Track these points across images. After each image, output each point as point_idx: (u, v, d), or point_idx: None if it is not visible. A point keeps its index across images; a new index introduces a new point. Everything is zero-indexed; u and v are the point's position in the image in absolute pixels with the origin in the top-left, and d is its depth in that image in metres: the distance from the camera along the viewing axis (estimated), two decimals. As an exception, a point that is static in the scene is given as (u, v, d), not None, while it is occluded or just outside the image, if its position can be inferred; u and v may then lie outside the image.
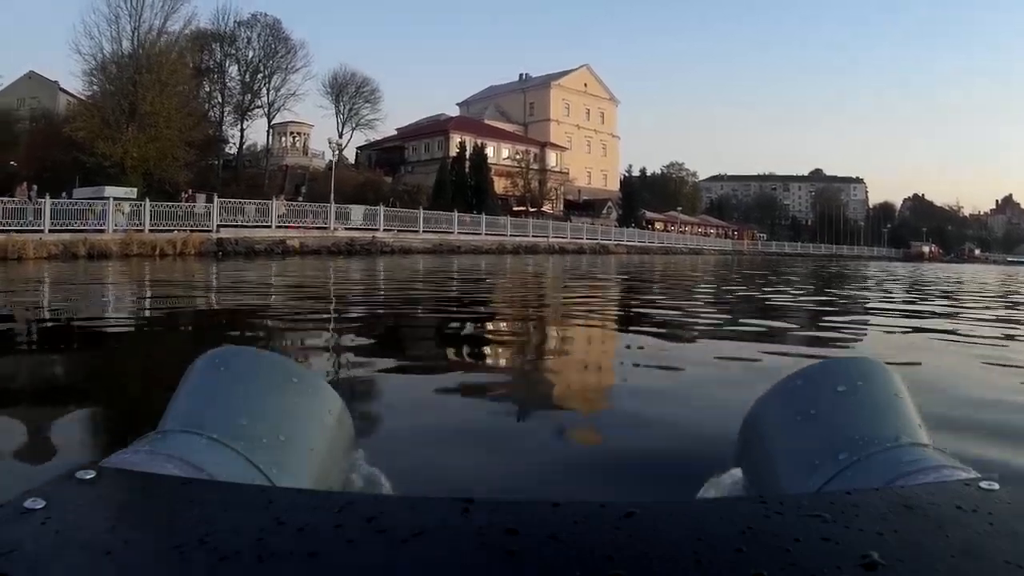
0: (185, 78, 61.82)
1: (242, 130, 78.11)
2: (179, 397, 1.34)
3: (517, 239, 63.34)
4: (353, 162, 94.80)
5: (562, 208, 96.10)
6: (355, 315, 10.41)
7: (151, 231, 38.00)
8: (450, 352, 7.44)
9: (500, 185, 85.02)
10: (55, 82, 65.34)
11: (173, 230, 38.98)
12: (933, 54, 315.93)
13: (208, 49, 73.40)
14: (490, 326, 9.52)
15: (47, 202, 35.79)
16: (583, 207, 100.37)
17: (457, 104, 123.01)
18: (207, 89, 74.27)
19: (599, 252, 67.86)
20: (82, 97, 60.92)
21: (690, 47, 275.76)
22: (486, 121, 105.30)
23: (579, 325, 9.55)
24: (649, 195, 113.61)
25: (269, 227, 43.92)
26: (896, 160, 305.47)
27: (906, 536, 0.84)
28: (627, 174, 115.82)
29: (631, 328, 9.40)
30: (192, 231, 39.35)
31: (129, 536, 0.84)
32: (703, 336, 8.37)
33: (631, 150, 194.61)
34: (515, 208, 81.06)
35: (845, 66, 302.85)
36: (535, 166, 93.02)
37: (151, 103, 55.51)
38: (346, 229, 48.39)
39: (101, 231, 36.27)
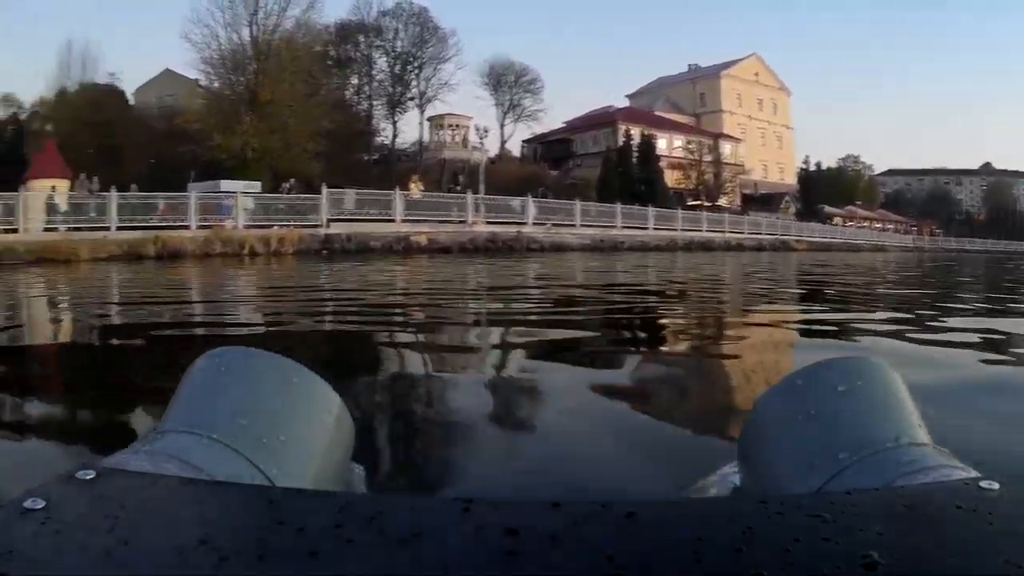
0: (311, 65, 56.54)
1: (394, 123, 74.24)
2: (179, 397, 1.25)
3: (689, 234, 53.53)
4: (518, 155, 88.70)
5: (739, 202, 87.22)
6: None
7: (250, 227, 32.03)
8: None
9: (672, 178, 76.96)
10: (196, 80, 59.08)
11: (273, 225, 32.63)
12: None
13: (352, 40, 69.81)
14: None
15: (113, 196, 30.22)
16: (760, 201, 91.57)
17: (627, 96, 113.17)
18: (355, 82, 70.93)
19: (779, 248, 57.74)
20: (202, 88, 56.14)
21: (858, 32, 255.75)
22: (656, 112, 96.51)
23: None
24: (825, 189, 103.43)
25: (393, 221, 36.71)
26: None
27: (906, 536, 0.82)
28: (804, 167, 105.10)
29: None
30: (296, 226, 32.75)
31: (129, 536, 0.80)
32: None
33: (804, 142, 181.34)
34: (689, 202, 72.26)
35: (1015, 56, 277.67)
36: (708, 157, 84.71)
37: (271, 91, 50.36)
38: (487, 223, 40.33)
39: (186, 227, 30.72)
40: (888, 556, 0.74)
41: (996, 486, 0.90)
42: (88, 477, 0.90)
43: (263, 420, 1.16)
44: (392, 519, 0.81)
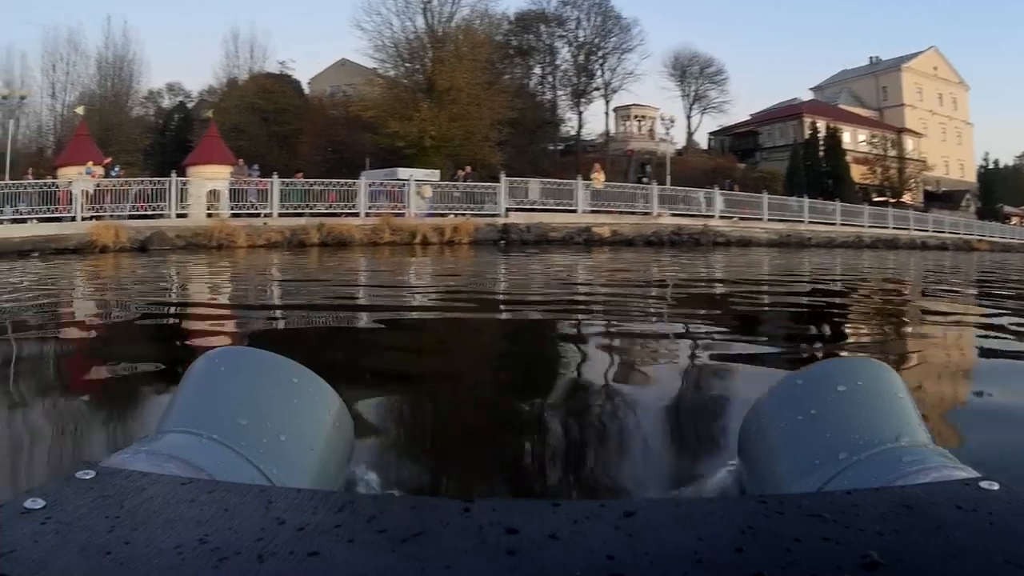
0: (490, 53, 53.93)
1: (579, 113, 70.31)
2: (179, 397, 1.29)
3: (875, 231, 48.54)
4: (705, 147, 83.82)
5: (921, 199, 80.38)
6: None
7: (424, 215, 29.63)
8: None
9: (857, 173, 71.49)
10: (372, 69, 56.99)
11: (448, 214, 29.98)
12: None
13: (533, 30, 66.51)
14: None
15: (275, 182, 28.14)
16: (942, 199, 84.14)
17: (810, 89, 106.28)
18: (538, 71, 67.83)
19: (962, 248, 51.79)
20: (377, 76, 54.11)
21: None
22: (840, 106, 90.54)
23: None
24: (1002, 187, 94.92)
25: (575, 211, 33.26)
26: None
27: (906, 536, 0.81)
28: (984, 164, 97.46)
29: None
30: (472, 215, 29.95)
31: (129, 536, 0.79)
32: None
33: (979, 139, 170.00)
34: (874, 198, 66.83)
35: None
36: (892, 152, 78.61)
37: (449, 79, 47.77)
38: (672, 215, 36.47)
39: (355, 214, 28.28)
40: (888, 556, 0.72)
41: (996, 486, 0.88)
42: (88, 477, 0.88)
43: (263, 420, 1.16)
44: (392, 519, 0.79)
